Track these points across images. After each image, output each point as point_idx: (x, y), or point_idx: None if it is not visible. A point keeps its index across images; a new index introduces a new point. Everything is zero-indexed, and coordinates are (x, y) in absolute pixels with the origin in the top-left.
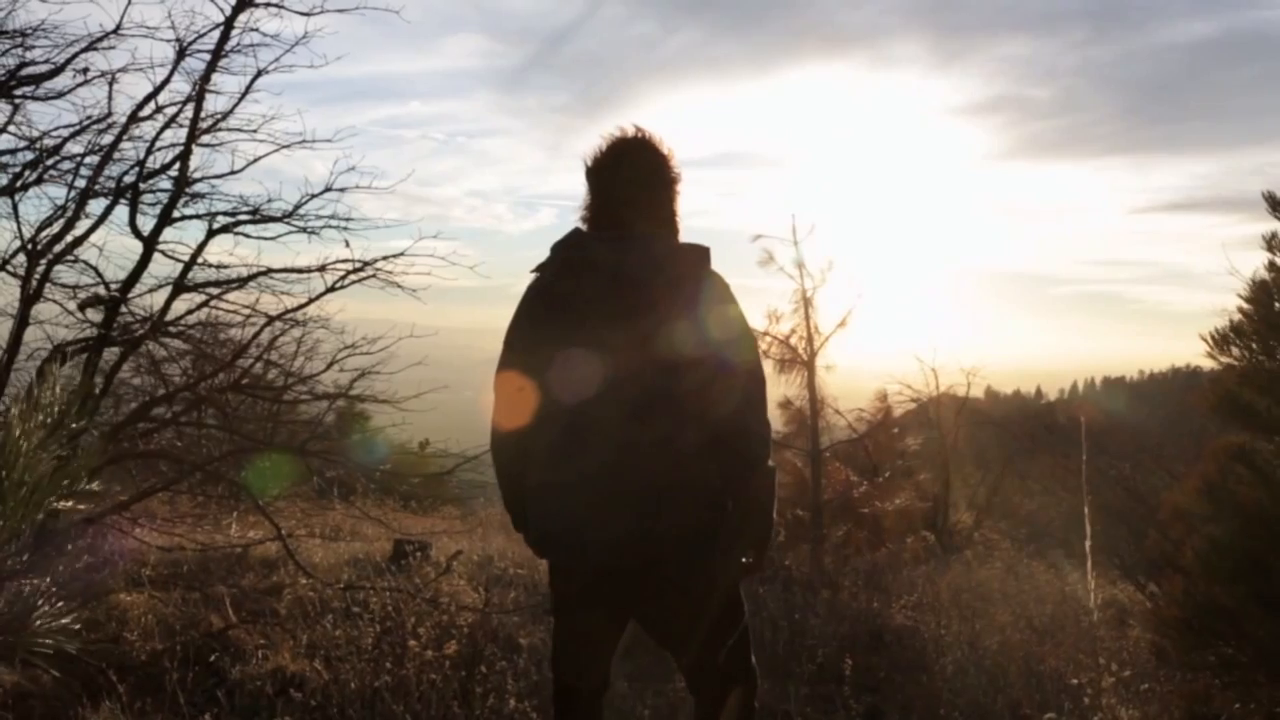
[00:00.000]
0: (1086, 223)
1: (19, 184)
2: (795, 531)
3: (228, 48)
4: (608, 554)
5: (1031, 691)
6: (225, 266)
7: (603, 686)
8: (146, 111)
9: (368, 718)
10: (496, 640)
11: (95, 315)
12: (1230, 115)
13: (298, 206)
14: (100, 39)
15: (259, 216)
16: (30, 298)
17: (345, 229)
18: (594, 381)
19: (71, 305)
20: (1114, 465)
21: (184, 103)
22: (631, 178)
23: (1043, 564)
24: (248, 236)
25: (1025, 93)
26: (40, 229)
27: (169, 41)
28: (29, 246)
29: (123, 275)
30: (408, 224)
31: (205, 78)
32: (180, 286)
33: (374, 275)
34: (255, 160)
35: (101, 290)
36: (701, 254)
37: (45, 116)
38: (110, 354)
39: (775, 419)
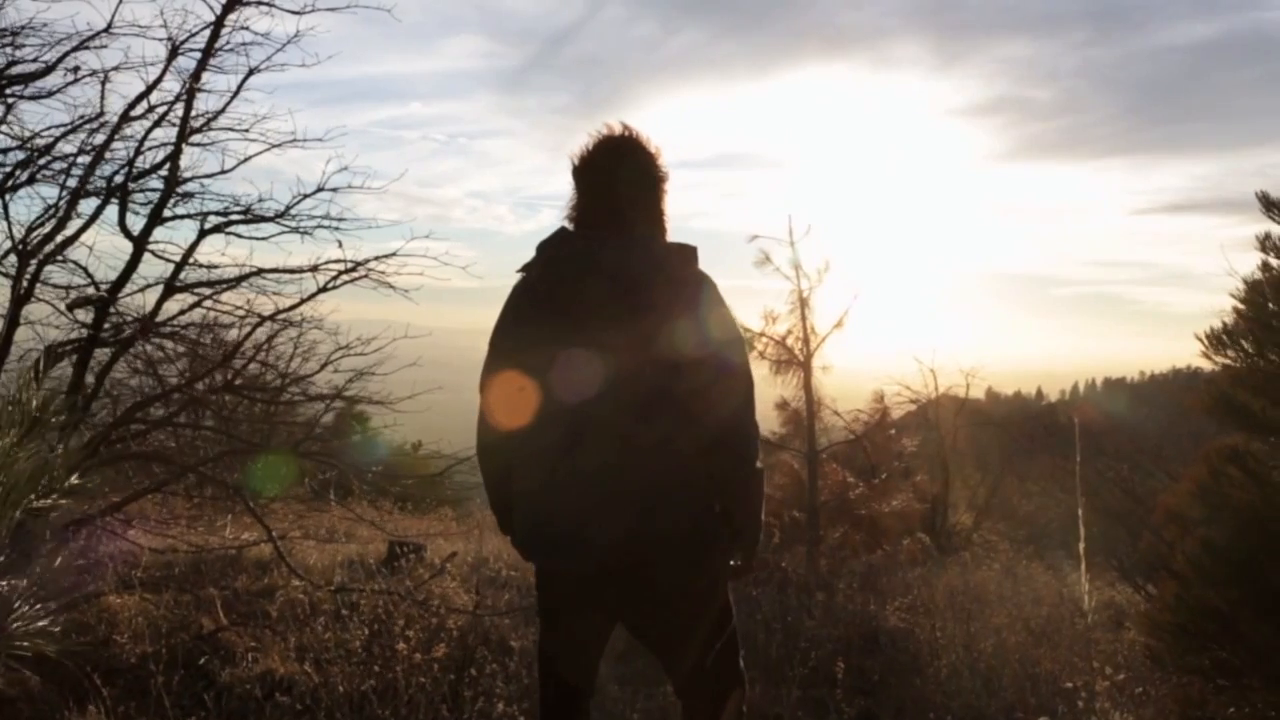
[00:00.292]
0: (1087, 224)
1: (10, 184)
2: (791, 533)
3: (218, 46)
4: (609, 554)
5: (1026, 695)
6: (217, 267)
7: (590, 691)
8: (139, 111)
9: None
10: (488, 643)
11: (85, 316)
12: (1231, 116)
13: (290, 206)
14: (91, 38)
15: (251, 216)
16: (21, 298)
17: (338, 229)
18: (595, 381)
19: (63, 306)
20: (1112, 466)
21: (173, 101)
22: (632, 178)
23: (1041, 565)
24: (240, 237)
25: (1026, 94)
26: (31, 229)
27: (161, 40)
28: (20, 247)
29: (114, 276)
30: (403, 225)
31: (195, 76)
32: (172, 287)
33: (366, 275)
34: (246, 159)
35: (91, 291)
36: (690, 253)
37: (38, 116)
38: (104, 355)
39: (772, 420)
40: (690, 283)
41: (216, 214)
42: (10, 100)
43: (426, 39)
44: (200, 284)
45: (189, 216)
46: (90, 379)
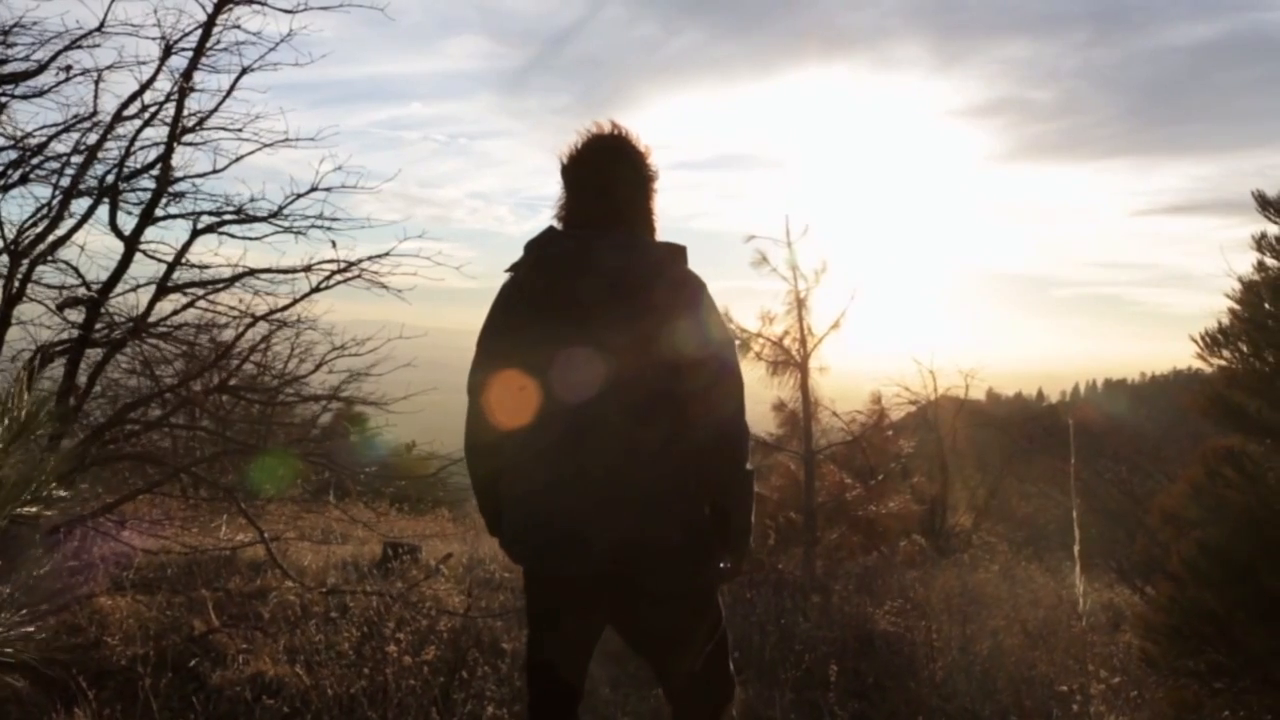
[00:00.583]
0: (1088, 225)
1: (2, 184)
2: (788, 535)
3: (211, 45)
4: (606, 558)
5: (1021, 698)
6: (209, 267)
7: (580, 694)
8: (132, 110)
9: None
10: (480, 645)
11: (75, 316)
12: (1231, 117)
13: (283, 206)
14: (84, 36)
15: (244, 216)
16: (12, 298)
17: (331, 229)
18: (595, 382)
19: (53, 306)
20: (1111, 468)
21: (165, 100)
22: (622, 177)
23: (1040, 567)
24: (232, 237)
25: (1026, 95)
26: (23, 229)
27: (154, 39)
28: (12, 246)
29: (106, 276)
30: (398, 224)
31: (187, 75)
32: (164, 287)
33: (359, 276)
34: (238, 159)
35: (83, 291)
36: (681, 253)
37: (30, 115)
38: (96, 355)
39: (769, 421)
40: (689, 284)
41: (209, 214)
42: (2, 99)
43: (427, 39)
44: (193, 284)
45: (181, 216)
46: (83, 380)
